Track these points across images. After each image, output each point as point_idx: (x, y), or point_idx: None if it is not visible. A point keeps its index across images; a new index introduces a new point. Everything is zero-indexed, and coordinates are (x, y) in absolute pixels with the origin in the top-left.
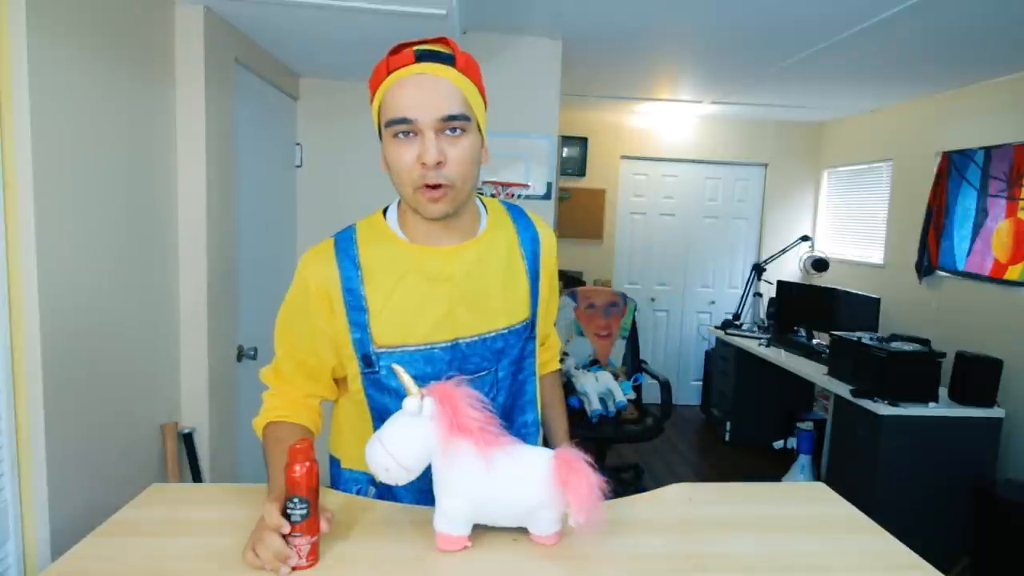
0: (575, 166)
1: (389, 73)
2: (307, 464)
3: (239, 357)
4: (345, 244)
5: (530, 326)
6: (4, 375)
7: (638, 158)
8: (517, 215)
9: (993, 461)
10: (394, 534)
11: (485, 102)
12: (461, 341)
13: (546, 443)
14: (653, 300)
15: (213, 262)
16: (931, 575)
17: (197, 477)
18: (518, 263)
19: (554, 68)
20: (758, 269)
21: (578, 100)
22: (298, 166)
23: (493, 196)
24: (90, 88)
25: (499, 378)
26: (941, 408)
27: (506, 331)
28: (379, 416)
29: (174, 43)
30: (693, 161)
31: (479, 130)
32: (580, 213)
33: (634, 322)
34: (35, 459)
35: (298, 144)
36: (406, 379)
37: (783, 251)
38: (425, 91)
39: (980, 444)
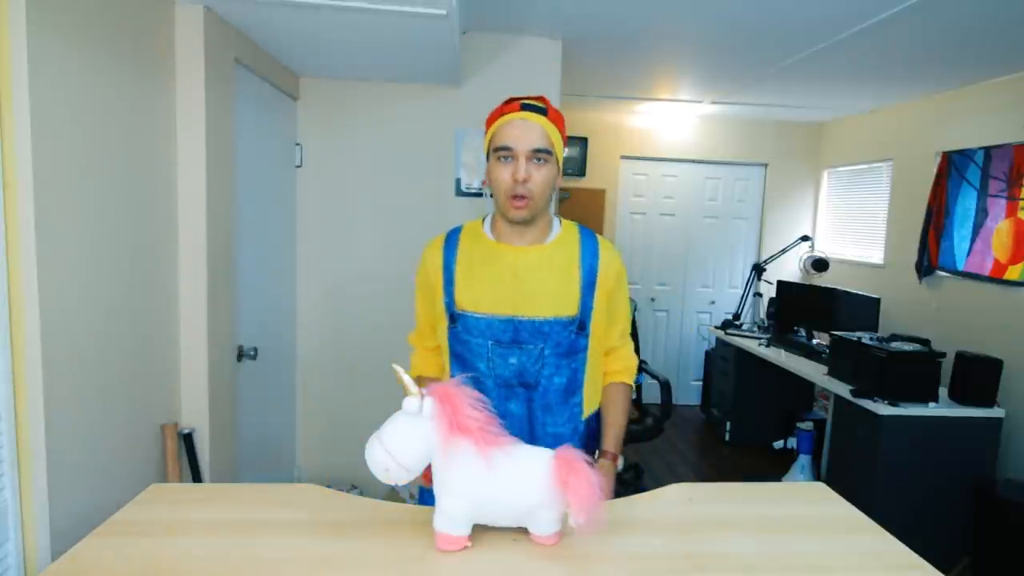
0: (575, 166)
1: (501, 116)
2: None
3: (239, 357)
4: (452, 237)
5: (578, 323)
6: (4, 375)
7: (638, 158)
8: (586, 236)
9: (993, 461)
10: (394, 534)
11: (564, 143)
12: (515, 318)
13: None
14: (653, 300)
15: (213, 262)
16: (931, 575)
17: (197, 477)
18: (574, 271)
19: (554, 68)
20: (758, 269)
21: (578, 100)
22: (298, 166)
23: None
24: (90, 88)
25: (545, 355)
26: (941, 408)
27: (552, 319)
28: (456, 360)
29: (174, 43)
30: (693, 161)
31: (557, 162)
32: (580, 213)
33: (634, 322)
34: (35, 459)
35: (298, 144)
36: (405, 379)
37: (783, 251)
38: (522, 130)
39: (980, 444)
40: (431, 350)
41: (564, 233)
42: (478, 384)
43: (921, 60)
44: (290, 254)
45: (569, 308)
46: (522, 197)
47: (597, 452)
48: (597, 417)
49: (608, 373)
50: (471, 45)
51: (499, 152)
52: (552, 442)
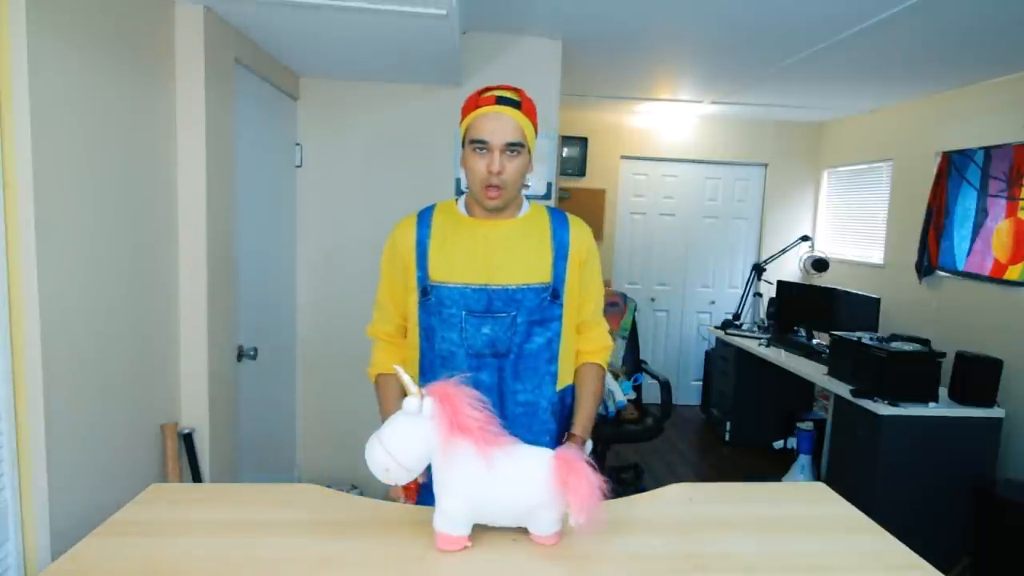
0: (575, 166)
1: (477, 107)
2: None
3: (239, 357)
4: (424, 214)
5: (551, 290)
6: (4, 375)
7: (638, 158)
8: (555, 213)
9: (993, 461)
10: (394, 534)
11: (536, 131)
12: (488, 287)
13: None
14: (653, 300)
15: (213, 262)
16: (931, 575)
17: (197, 477)
18: (546, 241)
19: (554, 68)
20: (758, 269)
21: (578, 100)
22: (298, 166)
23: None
24: (90, 88)
25: (517, 323)
26: (941, 408)
27: (525, 287)
28: (425, 335)
29: (174, 43)
30: (693, 161)
31: (529, 152)
32: (580, 213)
33: (634, 322)
34: (35, 459)
35: (298, 144)
36: (405, 379)
37: (783, 251)
38: (497, 124)
39: (980, 444)
40: (392, 337)
41: (533, 211)
42: (449, 357)
43: (921, 60)
44: (290, 254)
45: (542, 275)
46: (496, 187)
47: (565, 435)
48: (572, 393)
49: (581, 353)
50: (471, 45)
51: (474, 144)
52: (523, 412)
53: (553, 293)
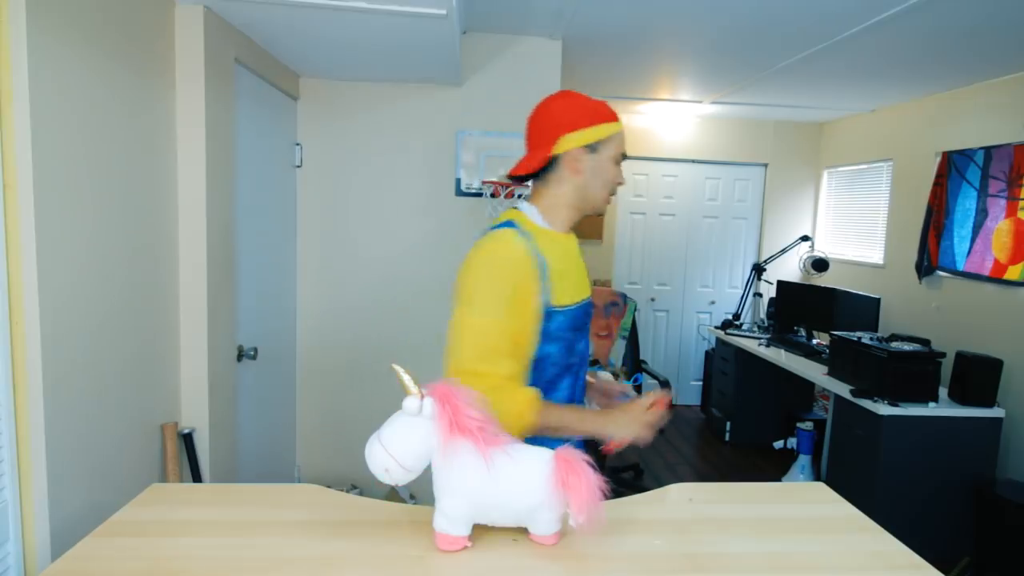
0: None
1: (616, 121)
2: None
3: (239, 357)
4: (524, 235)
5: None
6: (4, 375)
7: (638, 158)
8: None
9: (993, 461)
10: (394, 534)
11: None
12: (588, 301)
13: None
14: (653, 300)
15: (213, 262)
16: (931, 575)
17: (197, 477)
18: (581, 252)
19: (554, 68)
20: (758, 269)
21: None
22: (298, 166)
23: (493, 196)
24: (90, 88)
25: (587, 335)
26: (941, 408)
27: (590, 298)
28: (539, 362)
29: (174, 43)
30: (693, 161)
31: None
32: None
33: (634, 322)
34: (35, 459)
35: (298, 144)
36: (405, 379)
37: (783, 251)
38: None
39: (980, 444)
40: (517, 379)
41: None
42: (554, 380)
43: (921, 60)
44: (290, 254)
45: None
46: (612, 194)
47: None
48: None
49: None
50: (471, 45)
51: (622, 156)
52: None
53: None
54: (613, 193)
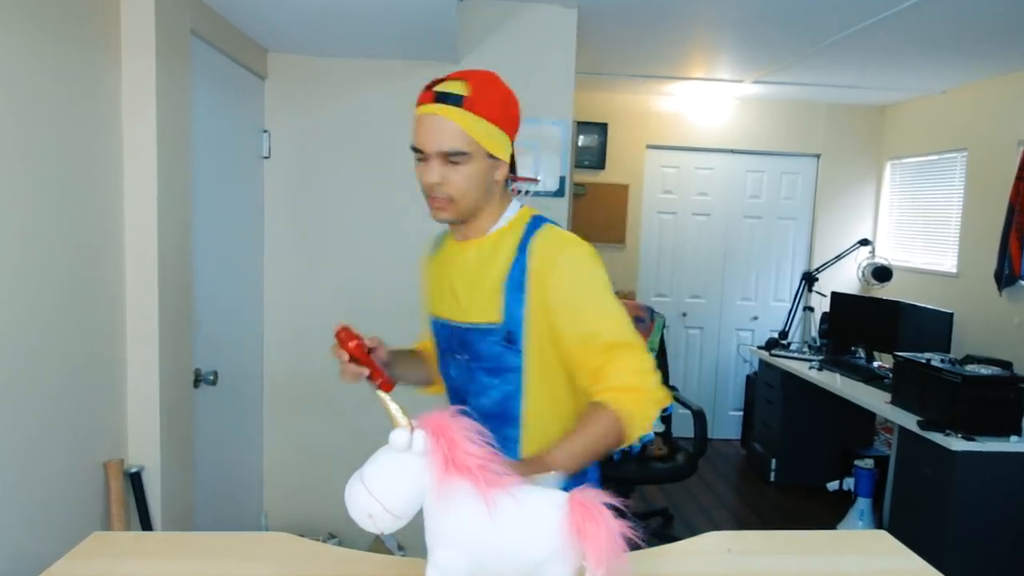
0: (593, 157)
1: (419, 106)
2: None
3: (196, 382)
4: (441, 233)
5: (504, 333)
6: None
7: (667, 147)
8: (530, 226)
9: None
10: None
11: (509, 123)
12: (449, 323)
13: None
14: (685, 315)
15: (165, 271)
16: None
17: (146, 524)
18: (505, 269)
19: (568, 41)
20: (809, 279)
21: (597, 79)
22: (265, 157)
23: None
24: (17, 64)
25: (472, 368)
26: None
27: (472, 327)
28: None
29: (119, 11)
30: (732, 151)
31: (488, 154)
32: (598, 212)
33: (662, 341)
34: None
35: (265, 131)
36: (392, 408)
37: (838, 257)
38: (433, 129)
39: None
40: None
41: (510, 226)
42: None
43: (1001, 31)
44: (256, 261)
45: (491, 313)
46: (440, 199)
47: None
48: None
49: (588, 390)
50: (470, 13)
51: (415, 152)
52: None
53: (507, 337)
54: (433, 197)
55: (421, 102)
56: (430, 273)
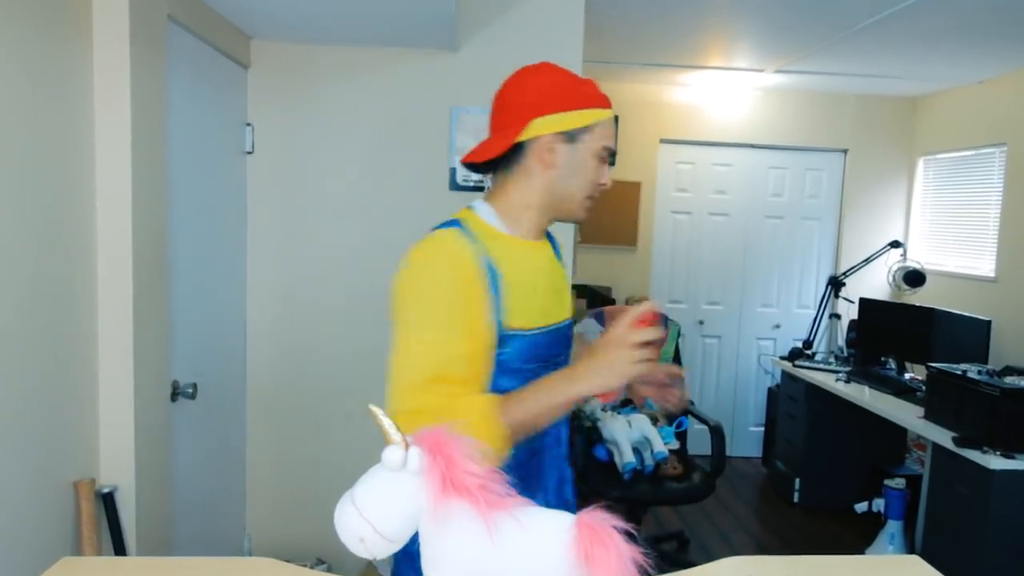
0: None
1: (603, 106)
2: None
3: (174, 396)
4: (468, 234)
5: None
6: None
7: (682, 142)
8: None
9: None
10: None
11: None
12: (558, 325)
13: None
14: (701, 323)
15: (141, 275)
16: None
17: (120, 548)
18: (559, 264)
19: (575, 27)
20: (835, 284)
21: (606, 68)
22: (248, 152)
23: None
24: None
25: (561, 367)
26: None
27: (570, 320)
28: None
29: None
30: (752, 146)
31: None
32: (608, 212)
33: (677, 351)
34: None
35: (249, 125)
36: (386, 424)
37: (867, 261)
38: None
39: None
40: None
41: None
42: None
43: None
44: (239, 265)
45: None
46: (593, 199)
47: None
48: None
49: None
50: None
51: (605, 152)
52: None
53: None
54: (594, 197)
55: (606, 106)
56: (511, 283)
